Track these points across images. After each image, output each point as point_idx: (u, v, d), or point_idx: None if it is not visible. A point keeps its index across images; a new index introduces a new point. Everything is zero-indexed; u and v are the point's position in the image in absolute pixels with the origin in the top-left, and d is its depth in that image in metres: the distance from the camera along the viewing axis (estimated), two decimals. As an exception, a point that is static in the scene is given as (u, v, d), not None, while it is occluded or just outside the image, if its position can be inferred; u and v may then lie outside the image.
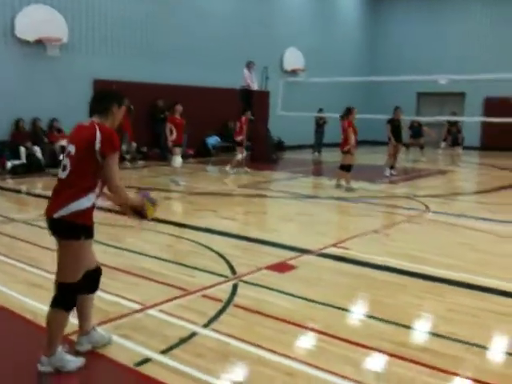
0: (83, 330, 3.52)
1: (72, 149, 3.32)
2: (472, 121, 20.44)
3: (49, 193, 3.46)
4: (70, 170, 3.27)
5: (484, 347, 3.72)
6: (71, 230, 3.25)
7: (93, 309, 3.59)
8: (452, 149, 16.56)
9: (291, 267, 5.47)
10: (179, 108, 11.02)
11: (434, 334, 3.95)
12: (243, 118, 13.32)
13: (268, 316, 4.16)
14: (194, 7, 16.93)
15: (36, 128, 13.07)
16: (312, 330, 3.95)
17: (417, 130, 17.54)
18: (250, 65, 15.64)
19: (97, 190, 3.35)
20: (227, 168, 13.03)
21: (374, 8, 25.10)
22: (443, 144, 18.68)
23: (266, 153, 15.68)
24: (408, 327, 4.05)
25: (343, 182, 10.72)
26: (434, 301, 4.61)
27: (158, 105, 15.47)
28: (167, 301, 4.40)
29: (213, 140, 17.36)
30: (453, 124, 17.04)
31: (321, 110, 18.66)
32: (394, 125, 12.87)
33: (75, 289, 3.28)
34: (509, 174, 13.75)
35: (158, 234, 6.76)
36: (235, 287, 4.79)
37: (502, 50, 21.97)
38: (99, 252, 5.79)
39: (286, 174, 13.37)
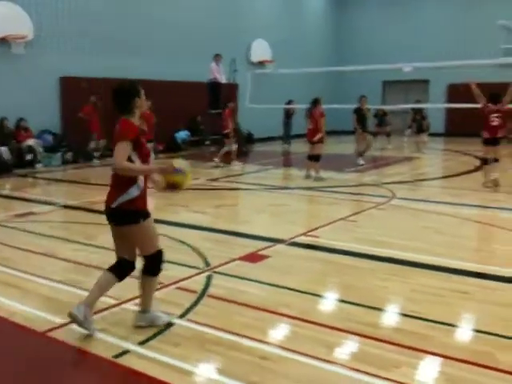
0: (141, 308, 3.94)
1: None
2: (436, 107, 20.88)
3: (16, 193, 3.54)
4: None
5: (448, 324, 3.93)
6: (128, 217, 3.70)
7: (153, 293, 3.97)
8: (417, 136, 16.92)
9: (263, 257, 5.62)
10: (148, 103, 11.00)
11: (402, 314, 4.15)
12: (227, 110, 13.44)
13: (242, 304, 4.31)
14: (161, 0, 16.86)
15: (3, 128, 12.91)
16: (285, 315, 4.10)
17: (382, 118, 17.85)
18: (217, 57, 15.67)
19: (141, 177, 3.72)
20: (215, 160, 13.26)
21: (338, -2, 25.34)
22: (408, 131, 19.06)
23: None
24: (377, 309, 4.24)
25: (313, 172, 10.91)
26: (400, 283, 4.82)
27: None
28: (143, 294, 4.50)
29: (182, 134, 17.37)
30: (417, 111, 17.40)
31: (290, 102, 18.82)
32: (360, 114, 13.10)
33: (160, 256, 3.91)
34: (472, 159, 14.16)
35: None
36: (209, 278, 4.92)
37: (465, 37, 22.48)
38: (72, 250, 5.89)
39: (256, 167, 13.51)
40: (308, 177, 10.96)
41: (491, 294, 4.55)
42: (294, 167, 13.84)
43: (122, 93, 3.77)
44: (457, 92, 21.44)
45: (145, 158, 3.74)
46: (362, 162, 13.01)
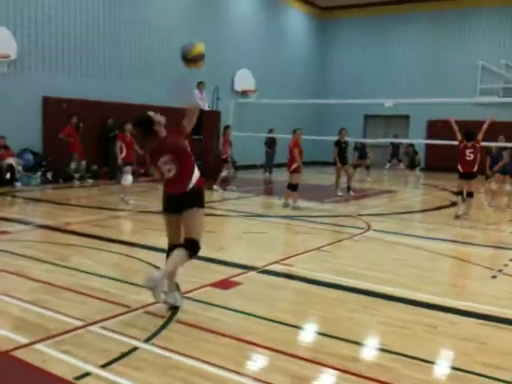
0: (167, 288, 4.71)
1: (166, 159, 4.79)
2: (418, 142, 21.29)
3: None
4: (176, 169, 4.81)
5: (411, 357, 3.97)
6: (201, 197, 4.92)
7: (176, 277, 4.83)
8: (411, 170, 17.18)
9: (235, 284, 5.64)
10: (129, 127, 11.10)
11: (366, 346, 4.19)
12: (225, 136, 13.66)
13: (209, 331, 4.31)
14: (146, 26, 17.12)
15: (-17, 145, 12.86)
16: (250, 342, 4.11)
17: (361, 150, 18.12)
18: (200, 85, 15.88)
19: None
20: (214, 187, 13.47)
21: (322, 32, 25.93)
22: (388, 165, 19.36)
23: (217, 172, 15.83)
24: (342, 339, 4.27)
25: (290, 201, 11.03)
26: (368, 314, 4.86)
27: (108, 123, 15.45)
28: (110, 318, 4.48)
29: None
30: (409, 146, 17.72)
31: (271, 131, 19.04)
32: (340, 147, 13.33)
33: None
34: (448, 194, 14.41)
35: (105, 253, 6.81)
36: (179, 304, 4.91)
37: (444, 75, 23.10)
38: (44, 271, 5.85)
39: (237, 194, 13.57)
40: (286, 205, 11.08)
41: (457, 328, 4.62)
42: (274, 195, 13.93)
43: (144, 124, 5.01)
44: (436, 128, 21.92)
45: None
46: (340, 193, 13.19)
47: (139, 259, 6.50)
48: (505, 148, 14.23)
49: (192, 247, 4.75)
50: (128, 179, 10.98)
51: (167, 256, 4.85)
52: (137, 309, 4.72)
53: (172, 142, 4.82)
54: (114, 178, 15.22)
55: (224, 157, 13.65)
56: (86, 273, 5.85)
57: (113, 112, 15.47)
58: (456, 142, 10.84)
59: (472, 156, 10.52)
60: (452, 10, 22.78)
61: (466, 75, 22.53)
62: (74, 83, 14.98)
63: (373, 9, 24.37)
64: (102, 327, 4.29)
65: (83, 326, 4.29)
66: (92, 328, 4.27)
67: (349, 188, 13.45)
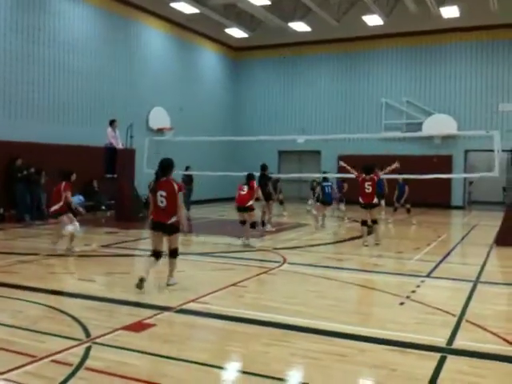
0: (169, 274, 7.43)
1: (163, 194, 7.17)
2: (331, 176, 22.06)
3: None
4: (166, 202, 7.15)
5: (322, 387, 4.05)
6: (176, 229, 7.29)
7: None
8: (337, 205, 17.68)
9: (148, 325, 5.51)
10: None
11: (277, 379, 4.21)
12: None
13: (119, 376, 4.17)
14: (57, 63, 16.79)
15: None
16: (163, 385, 4.03)
17: (275, 185, 18.47)
18: (113, 123, 15.70)
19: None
20: None
21: (235, 71, 26.56)
22: (310, 201, 19.75)
23: (132, 211, 15.56)
24: (255, 374, 4.27)
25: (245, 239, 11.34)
26: (282, 347, 4.91)
27: (16, 164, 14.79)
28: (13, 369, 4.23)
29: (76, 199, 16.84)
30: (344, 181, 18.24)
31: (188, 168, 19.01)
32: (265, 183, 13.63)
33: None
34: (359, 225, 14.96)
35: (8, 301, 6.44)
36: (88, 350, 4.72)
37: (352, 112, 24.31)
38: None
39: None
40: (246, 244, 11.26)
41: (367, 355, 4.76)
42: (192, 233, 13.81)
43: (166, 165, 7.50)
44: (346, 162, 22.78)
45: None
46: (269, 227, 13.57)
47: (45, 305, 6.20)
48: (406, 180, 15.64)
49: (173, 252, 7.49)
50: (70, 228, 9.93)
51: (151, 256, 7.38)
52: (42, 358, 4.49)
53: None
54: (21, 221, 14.53)
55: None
56: (-12, 321, 5.51)
57: (21, 152, 14.86)
58: (353, 175, 12.13)
59: (370, 188, 11.49)
60: (358, 52, 24.14)
61: (372, 112, 23.82)
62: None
63: (284, 49, 25.31)
64: (5, 379, 4.05)
65: (-13, 380, 4.02)
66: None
67: (263, 223, 13.65)
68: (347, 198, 17.89)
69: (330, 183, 15.26)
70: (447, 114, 22.33)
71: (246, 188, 11.40)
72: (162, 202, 7.12)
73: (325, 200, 14.95)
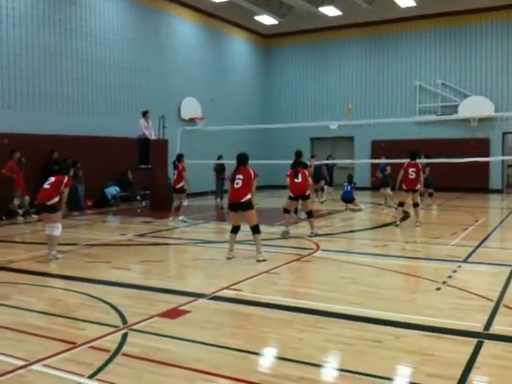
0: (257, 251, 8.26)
1: (241, 178, 8.16)
2: (360, 162, 21.87)
3: None
4: (241, 184, 8.11)
5: (358, 373, 4.02)
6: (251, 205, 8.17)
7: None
8: (383, 190, 17.45)
9: (183, 312, 5.58)
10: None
11: (313, 365, 4.21)
12: (180, 166, 13.36)
13: (156, 362, 4.24)
14: (89, 57, 17.02)
15: None
16: (198, 371, 4.08)
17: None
18: (145, 114, 15.88)
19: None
20: (175, 219, 13.10)
21: (266, 59, 26.44)
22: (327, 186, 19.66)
23: (166, 201, 15.72)
24: (290, 360, 4.29)
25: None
26: (315, 333, 4.91)
27: (53, 157, 15.13)
28: (53, 355, 4.35)
29: (112, 190, 17.19)
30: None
31: (220, 157, 19.11)
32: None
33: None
34: (393, 211, 14.77)
35: (47, 289, 6.63)
36: (125, 336, 4.82)
37: (384, 96, 23.92)
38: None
39: (187, 221, 13.47)
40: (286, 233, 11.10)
41: (402, 341, 4.71)
42: (224, 222, 13.92)
43: (243, 157, 8.52)
44: (379, 148, 22.55)
45: None
46: (303, 215, 13.48)
47: (83, 293, 6.35)
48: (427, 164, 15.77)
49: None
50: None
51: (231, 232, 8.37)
52: (81, 344, 4.61)
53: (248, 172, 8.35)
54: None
55: (178, 187, 13.37)
56: (28, 310, 5.68)
57: (57, 145, 15.19)
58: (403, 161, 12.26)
59: (414, 175, 11.69)
60: (390, 35, 23.71)
61: (406, 96, 23.40)
62: (15, 117, 14.67)
63: (313, 35, 25.05)
64: (45, 365, 4.17)
65: (25, 366, 4.15)
66: (34, 367, 4.14)
67: (297, 210, 13.59)
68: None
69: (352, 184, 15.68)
70: (483, 96, 21.76)
71: (299, 176, 10.89)
72: (237, 183, 8.09)
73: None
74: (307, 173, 11.40)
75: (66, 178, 8.67)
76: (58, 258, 8.48)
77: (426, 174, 15.42)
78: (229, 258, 8.29)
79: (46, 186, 8.61)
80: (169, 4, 20.34)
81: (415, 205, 11.92)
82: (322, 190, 18.23)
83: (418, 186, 11.98)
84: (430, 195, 15.88)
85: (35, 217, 14.05)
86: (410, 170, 11.70)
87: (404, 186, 11.82)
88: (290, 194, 10.94)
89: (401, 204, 11.98)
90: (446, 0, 21.44)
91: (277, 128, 21.85)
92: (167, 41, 20.40)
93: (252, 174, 8.21)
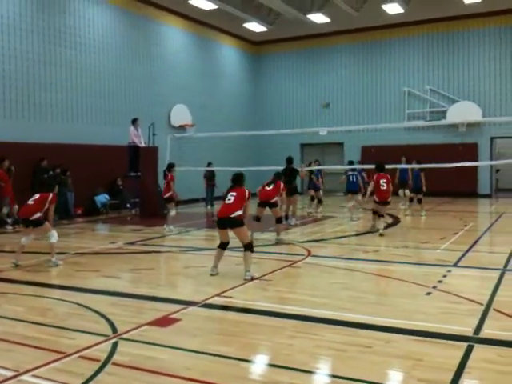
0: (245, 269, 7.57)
1: (233, 194, 7.73)
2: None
3: None
4: (233, 200, 7.66)
5: (347, 378, 4.03)
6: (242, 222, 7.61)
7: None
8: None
9: (174, 320, 5.56)
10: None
11: (302, 371, 4.20)
12: (169, 175, 13.21)
13: (146, 370, 4.22)
14: (78, 64, 16.98)
15: None
16: (189, 379, 4.06)
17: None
18: (135, 122, 15.87)
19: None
20: (166, 227, 12.82)
21: (256, 65, 26.53)
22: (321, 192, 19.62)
23: (156, 208, 15.70)
24: (280, 367, 4.28)
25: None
26: (306, 339, 4.90)
27: (42, 165, 15.04)
28: (42, 365, 4.31)
29: (102, 198, 17.11)
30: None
31: (210, 164, 19.10)
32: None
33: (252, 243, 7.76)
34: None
35: (36, 299, 6.58)
36: (115, 345, 4.79)
37: (373, 102, 24.07)
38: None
39: (177, 229, 13.43)
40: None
41: (392, 346, 4.72)
42: (215, 229, 13.85)
43: (238, 177, 8.10)
44: (369, 153, 22.65)
45: None
46: (293, 222, 13.47)
47: (72, 302, 6.31)
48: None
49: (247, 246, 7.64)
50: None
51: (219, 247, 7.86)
52: (71, 354, 4.57)
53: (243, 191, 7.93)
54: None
55: (166, 196, 13.20)
56: (17, 320, 5.62)
57: (46, 153, 15.11)
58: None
59: (385, 186, 11.46)
60: (378, 41, 23.89)
61: (395, 102, 23.56)
62: (3, 126, 14.59)
63: (302, 42, 25.19)
64: (34, 375, 4.13)
65: (14, 376, 4.11)
66: (23, 377, 4.10)
67: (287, 217, 13.60)
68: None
69: (355, 172, 15.08)
70: (471, 101, 21.95)
71: (272, 185, 11.25)
72: (229, 199, 7.65)
73: (350, 188, 14.90)
74: (282, 186, 11.43)
75: (51, 195, 8.75)
76: (59, 265, 8.56)
77: (422, 180, 15.44)
78: (212, 275, 7.69)
79: (30, 201, 8.71)
80: (158, 11, 20.37)
81: (380, 215, 11.76)
82: (319, 201, 16.55)
83: (390, 199, 11.74)
84: (419, 201, 15.64)
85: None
86: (381, 181, 11.51)
87: (376, 199, 11.65)
88: (258, 201, 11.26)
89: (375, 212, 11.96)
90: (434, 6, 21.61)
91: (267, 134, 21.88)
92: (157, 48, 20.41)
93: (246, 193, 7.78)
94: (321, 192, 16.65)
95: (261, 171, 18.60)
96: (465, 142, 22.10)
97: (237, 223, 7.41)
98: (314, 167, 16.56)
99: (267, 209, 11.23)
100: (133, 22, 19.23)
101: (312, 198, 16.56)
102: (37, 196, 8.79)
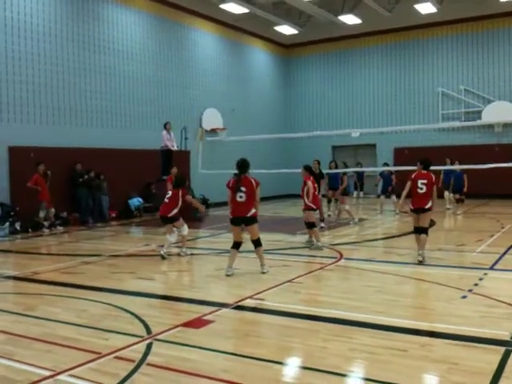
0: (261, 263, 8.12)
1: (244, 190, 7.85)
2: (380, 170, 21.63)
3: None
4: (245, 198, 7.82)
5: (381, 382, 3.98)
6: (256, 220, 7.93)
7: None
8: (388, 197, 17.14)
9: (207, 322, 5.60)
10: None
11: (336, 374, 4.18)
12: (180, 190, 12.64)
13: (180, 371, 4.26)
14: (111, 70, 17.28)
15: None
16: (223, 381, 4.08)
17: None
18: (167, 126, 16.05)
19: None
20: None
21: (287, 68, 26.52)
22: (356, 193, 19.57)
23: (188, 212, 15.77)
24: (314, 369, 4.26)
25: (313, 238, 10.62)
26: (340, 342, 4.87)
27: (76, 169, 15.37)
28: (79, 365, 4.40)
29: (135, 201, 17.36)
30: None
31: (240, 167, 19.12)
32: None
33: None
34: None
35: (73, 300, 6.71)
36: (149, 346, 4.85)
37: (406, 103, 23.76)
38: (11, 322, 5.72)
39: (209, 231, 13.54)
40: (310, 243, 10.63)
41: (428, 350, 4.65)
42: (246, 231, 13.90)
43: (244, 164, 8.13)
44: (402, 155, 22.36)
45: None
46: (322, 224, 13.32)
47: (107, 303, 6.41)
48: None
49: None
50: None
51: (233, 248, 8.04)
52: (106, 354, 4.65)
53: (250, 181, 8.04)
54: (84, 224, 15.08)
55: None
56: (54, 321, 5.75)
57: (81, 157, 15.44)
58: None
59: (424, 188, 8.79)
60: (411, 42, 23.60)
61: (429, 102, 23.20)
62: (40, 131, 14.95)
63: (334, 44, 25.08)
64: (71, 375, 4.21)
65: (51, 376, 4.20)
66: (60, 377, 4.19)
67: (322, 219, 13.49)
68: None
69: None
70: (507, 101, 21.45)
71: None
72: (241, 197, 7.76)
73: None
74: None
75: (181, 190, 9.88)
76: (188, 254, 9.85)
77: (464, 181, 15.45)
78: (228, 275, 7.85)
79: (166, 200, 9.91)
80: (190, 17, 20.57)
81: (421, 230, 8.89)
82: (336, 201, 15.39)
83: (430, 205, 8.79)
84: (458, 201, 15.77)
85: (60, 228, 14.28)
86: (419, 182, 8.85)
87: (411, 205, 9.00)
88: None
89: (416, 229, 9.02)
90: (467, 5, 21.24)
91: (298, 137, 21.85)
92: (189, 53, 20.61)
93: (254, 184, 7.87)
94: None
95: (292, 174, 18.51)
96: (501, 142, 21.60)
97: (252, 221, 7.92)
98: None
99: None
100: (165, 27, 19.47)
101: (329, 200, 15.89)
102: (170, 193, 9.92)
